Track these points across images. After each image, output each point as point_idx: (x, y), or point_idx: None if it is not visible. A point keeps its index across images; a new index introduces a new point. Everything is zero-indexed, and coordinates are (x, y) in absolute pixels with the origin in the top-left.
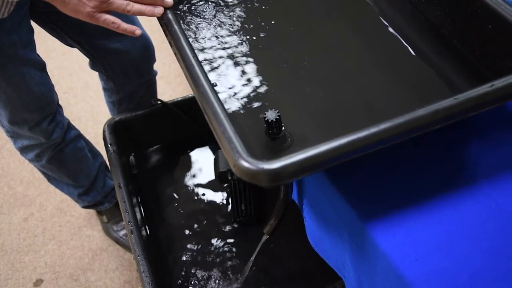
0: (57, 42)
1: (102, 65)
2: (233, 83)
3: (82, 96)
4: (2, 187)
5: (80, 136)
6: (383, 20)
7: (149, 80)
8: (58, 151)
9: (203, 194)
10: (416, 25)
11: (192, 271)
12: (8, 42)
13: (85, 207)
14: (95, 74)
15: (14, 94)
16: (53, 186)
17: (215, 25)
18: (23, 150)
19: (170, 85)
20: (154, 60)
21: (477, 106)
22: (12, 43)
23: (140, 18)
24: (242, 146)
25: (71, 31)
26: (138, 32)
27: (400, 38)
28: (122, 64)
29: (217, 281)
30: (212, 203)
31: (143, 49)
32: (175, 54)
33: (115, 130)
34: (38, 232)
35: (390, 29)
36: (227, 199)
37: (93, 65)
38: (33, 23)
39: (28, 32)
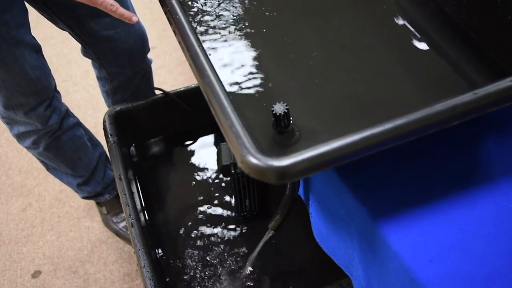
0: (56, 29)
1: (94, 52)
2: (239, 74)
3: (82, 85)
4: (0, 176)
5: (79, 124)
6: (396, 11)
7: (143, 70)
8: (55, 138)
9: (205, 187)
10: (430, 15)
11: (194, 265)
12: (0, 21)
13: (85, 197)
14: None
15: (8, 77)
16: (52, 176)
17: (221, 13)
18: (20, 137)
19: (171, 74)
20: (148, 49)
21: (497, 102)
22: (4, 22)
23: (139, 7)
24: (250, 142)
25: (63, 15)
26: (135, 18)
27: (413, 29)
28: (115, 52)
29: (219, 275)
30: (214, 196)
31: (137, 38)
32: (179, 43)
33: (115, 120)
34: (36, 223)
35: (404, 21)
36: (230, 193)
37: (85, 52)
38: (27, 5)
39: (21, 12)
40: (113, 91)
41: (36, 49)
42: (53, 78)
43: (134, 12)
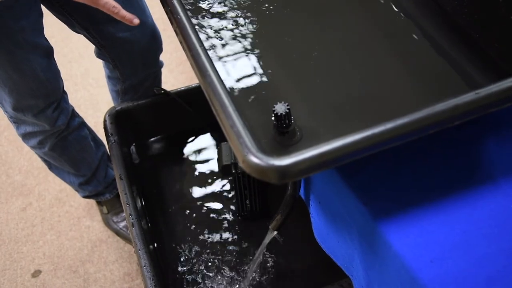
0: (57, 28)
1: (109, 54)
2: (240, 73)
3: (82, 84)
4: (0, 175)
5: (83, 124)
6: (396, 10)
7: (155, 72)
8: (61, 139)
9: (206, 187)
10: (432, 15)
11: (194, 264)
12: (17, 28)
13: (85, 196)
14: (96, 61)
15: (20, 80)
16: (52, 176)
17: (222, 13)
18: (26, 137)
19: (172, 73)
20: (161, 50)
21: (499, 102)
22: (21, 28)
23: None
24: (251, 141)
25: (79, 17)
26: (136, 21)
27: (415, 29)
28: (130, 53)
29: (219, 276)
30: (215, 196)
31: (151, 39)
32: (180, 42)
33: (116, 119)
34: (36, 222)
35: (404, 20)
36: (230, 192)
37: (100, 54)
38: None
39: (37, 17)
40: (124, 91)
41: (48, 51)
42: (62, 79)
43: (149, 13)
